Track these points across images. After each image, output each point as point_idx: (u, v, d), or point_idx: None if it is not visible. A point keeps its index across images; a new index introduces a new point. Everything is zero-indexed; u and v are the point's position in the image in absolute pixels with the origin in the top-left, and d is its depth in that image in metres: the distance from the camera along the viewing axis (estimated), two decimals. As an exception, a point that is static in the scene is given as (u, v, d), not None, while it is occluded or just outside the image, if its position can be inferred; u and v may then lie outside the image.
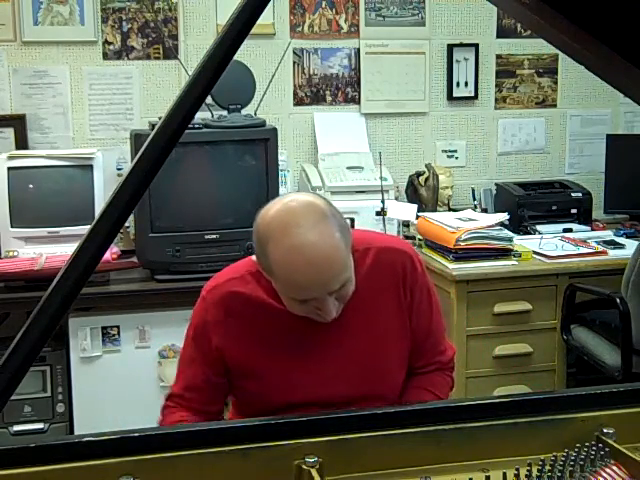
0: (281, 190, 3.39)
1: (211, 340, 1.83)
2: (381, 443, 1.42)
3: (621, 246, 3.65)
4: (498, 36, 4.12)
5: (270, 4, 1.27)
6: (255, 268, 1.82)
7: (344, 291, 1.71)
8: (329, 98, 3.95)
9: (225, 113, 3.29)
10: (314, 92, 3.93)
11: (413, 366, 1.96)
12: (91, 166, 3.27)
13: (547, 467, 1.36)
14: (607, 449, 1.41)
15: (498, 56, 4.14)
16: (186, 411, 1.85)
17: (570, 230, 3.85)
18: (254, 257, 1.80)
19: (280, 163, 3.37)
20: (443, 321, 2.02)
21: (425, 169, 3.94)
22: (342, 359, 1.83)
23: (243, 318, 1.82)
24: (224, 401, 1.93)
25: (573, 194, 3.98)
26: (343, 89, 3.96)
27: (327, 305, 1.69)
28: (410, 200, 3.89)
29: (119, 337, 3.14)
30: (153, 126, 1.56)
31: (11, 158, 3.22)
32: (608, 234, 3.84)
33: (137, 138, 3.12)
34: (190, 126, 1.28)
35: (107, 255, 2.92)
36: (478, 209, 3.96)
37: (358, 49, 3.94)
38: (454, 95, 4.08)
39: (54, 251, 3.12)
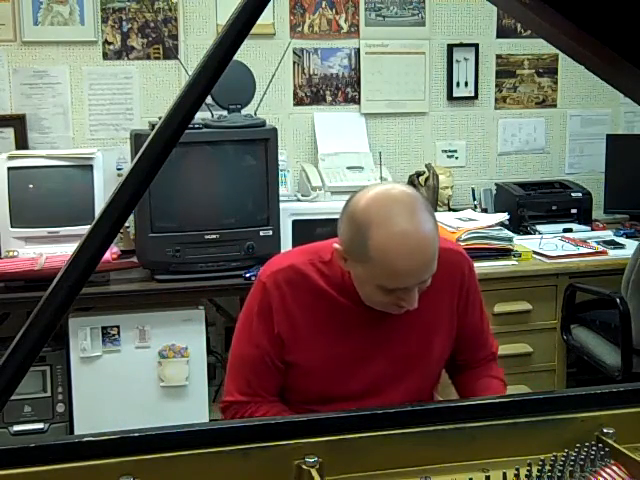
0: (281, 190, 3.39)
1: (273, 324, 1.83)
2: (381, 443, 1.42)
3: (621, 246, 3.66)
4: (498, 36, 4.12)
5: (270, 4, 1.27)
6: (317, 258, 1.84)
7: (427, 282, 1.74)
8: (329, 98, 3.95)
9: (225, 113, 3.28)
10: (314, 92, 3.93)
11: (473, 359, 2.04)
12: (91, 166, 3.27)
13: (547, 467, 1.36)
14: (607, 449, 1.41)
15: (498, 56, 4.14)
16: (260, 404, 1.87)
17: (570, 230, 3.85)
18: (332, 247, 1.77)
19: (280, 163, 3.37)
20: (488, 322, 2.10)
21: (425, 169, 3.94)
22: (390, 356, 1.86)
23: (302, 305, 1.83)
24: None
25: (573, 194, 3.98)
26: (343, 89, 3.96)
27: (413, 296, 1.71)
28: (410, 200, 3.88)
29: (119, 337, 3.14)
30: (153, 126, 1.55)
31: (11, 158, 3.22)
32: (608, 234, 3.84)
33: (137, 138, 3.11)
34: (190, 126, 1.28)
35: (107, 255, 2.92)
36: (478, 209, 3.96)
37: (358, 49, 3.94)
38: (454, 95, 4.08)
39: (54, 251, 3.11)
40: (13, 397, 1.17)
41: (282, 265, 1.87)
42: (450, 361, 2.06)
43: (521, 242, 3.60)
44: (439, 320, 1.91)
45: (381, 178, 3.57)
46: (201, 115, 3.21)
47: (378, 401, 1.83)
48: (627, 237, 3.79)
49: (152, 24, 3.67)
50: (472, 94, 4.09)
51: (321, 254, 1.85)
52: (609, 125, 4.28)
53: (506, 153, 4.20)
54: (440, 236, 1.82)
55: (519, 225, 3.84)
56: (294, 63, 3.88)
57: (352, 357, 1.85)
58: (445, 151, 4.12)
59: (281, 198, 3.33)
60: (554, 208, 3.94)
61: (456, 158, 4.13)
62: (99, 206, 3.21)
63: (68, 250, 3.00)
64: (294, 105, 3.91)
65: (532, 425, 1.47)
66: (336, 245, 1.76)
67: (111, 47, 3.67)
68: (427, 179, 3.90)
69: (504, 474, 1.33)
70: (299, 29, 3.87)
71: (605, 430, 1.46)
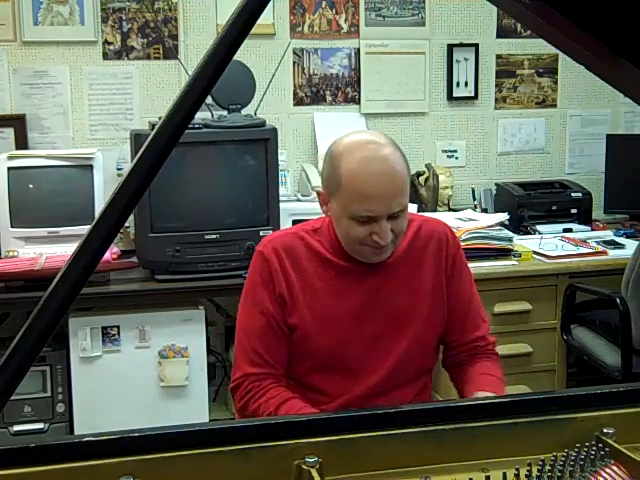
0: (281, 190, 3.39)
1: (275, 286, 1.92)
2: (381, 443, 1.42)
3: (621, 246, 3.66)
4: (498, 36, 4.12)
5: (270, 4, 1.27)
6: (308, 227, 1.98)
7: (399, 223, 1.85)
8: (329, 98, 3.95)
9: (225, 113, 3.28)
10: (314, 92, 3.93)
11: (460, 342, 2.05)
12: (91, 166, 3.27)
13: (547, 467, 1.36)
14: (607, 449, 1.41)
15: (498, 56, 4.14)
16: (267, 380, 1.91)
17: (570, 230, 3.85)
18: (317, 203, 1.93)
19: (280, 163, 3.37)
20: (482, 307, 2.12)
21: (425, 169, 3.94)
22: (383, 314, 1.94)
23: (299, 268, 1.94)
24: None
25: (573, 194, 3.98)
26: (343, 89, 3.96)
27: (385, 229, 1.81)
28: (410, 200, 3.87)
29: (119, 337, 3.14)
30: (153, 126, 1.55)
31: (11, 158, 3.22)
32: (608, 234, 3.84)
33: (137, 138, 3.12)
34: (190, 126, 1.28)
35: (107, 255, 2.92)
36: (478, 209, 3.96)
37: (358, 49, 3.94)
38: (454, 95, 4.08)
39: (54, 251, 3.12)
40: (13, 397, 1.17)
41: (276, 235, 2.04)
42: (445, 353, 2.09)
43: (521, 242, 3.60)
44: (428, 283, 1.98)
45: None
46: (201, 115, 3.21)
47: (375, 365, 1.92)
48: (627, 237, 3.79)
49: (152, 24, 3.67)
50: (472, 94, 4.09)
51: (311, 224, 2.02)
52: (609, 125, 4.28)
53: (506, 153, 4.20)
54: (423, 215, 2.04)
55: (519, 225, 3.84)
56: (294, 63, 3.88)
57: (347, 316, 1.93)
58: (445, 151, 4.12)
59: (281, 198, 3.33)
60: (554, 208, 3.95)
61: (456, 158, 4.13)
62: (99, 206, 3.21)
63: (68, 250, 3.01)
64: (294, 105, 3.91)
65: (532, 425, 1.47)
66: (318, 189, 1.94)
67: (111, 47, 3.67)
68: (427, 179, 3.90)
69: (504, 474, 1.33)
70: (299, 29, 3.87)
71: (605, 430, 1.46)
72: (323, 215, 2.02)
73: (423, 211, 3.76)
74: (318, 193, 1.94)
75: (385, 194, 1.79)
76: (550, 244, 3.61)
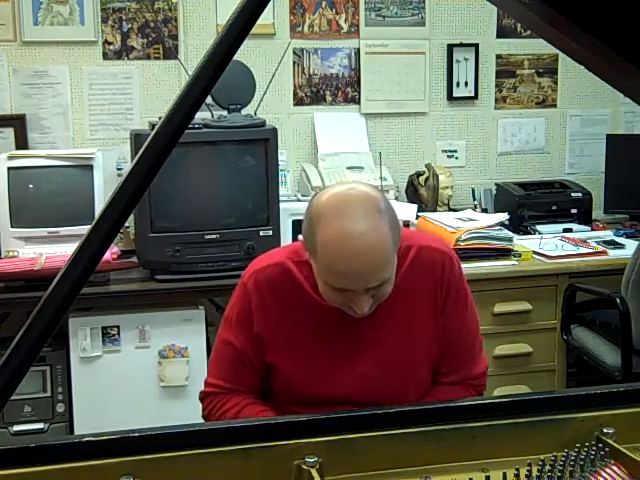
0: (281, 190, 3.39)
1: (253, 325, 1.83)
2: (381, 443, 1.42)
3: (621, 246, 3.66)
4: (498, 36, 4.12)
5: (270, 4, 1.27)
6: (297, 257, 1.83)
7: (381, 291, 1.70)
8: (329, 98, 3.95)
9: (225, 113, 3.28)
10: (314, 92, 3.93)
11: (438, 371, 1.92)
12: (91, 166, 3.27)
13: (547, 467, 1.36)
14: (607, 449, 1.41)
15: (498, 56, 4.14)
16: (233, 395, 1.87)
17: (570, 230, 3.85)
18: (299, 241, 1.79)
19: (280, 163, 3.37)
20: (479, 334, 1.97)
21: (425, 169, 3.94)
22: (373, 357, 1.83)
23: (282, 305, 1.82)
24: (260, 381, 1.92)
25: (573, 194, 3.98)
26: (343, 89, 3.96)
27: (361, 301, 1.68)
28: (410, 200, 3.89)
29: (119, 337, 3.14)
30: (153, 126, 1.55)
31: (11, 158, 3.22)
32: (608, 234, 3.84)
33: (137, 138, 3.11)
34: (190, 126, 1.28)
35: (107, 255, 2.92)
36: (478, 209, 3.96)
37: (358, 49, 3.94)
38: (454, 95, 4.08)
39: (54, 251, 3.11)
40: (13, 397, 1.17)
41: (262, 264, 1.87)
42: None
43: (521, 242, 3.60)
44: (422, 321, 1.86)
45: (381, 178, 3.57)
46: (201, 115, 3.21)
47: (361, 403, 1.77)
48: (627, 237, 3.79)
49: (152, 24, 3.67)
50: (472, 94, 4.09)
51: (300, 253, 1.83)
52: (609, 125, 4.28)
53: (506, 153, 4.20)
54: (424, 234, 1.79)
55: (519, 225, 3.84)
56: (294, 63, 3.88)
57: (333, 358, 1.83)
58: (445, 151, 4.12)
59: (281, 198, 3.33)
60: (554, 208, 3.94)
61: (456, 158, 4.13)
62: (99, 206, 3.21)
63: (68, 250, 3.00)
64: (294, 105, 3.91)
65: (532, 425, 1.47)
66: (300, 236, 1.78)
67: (111, 47, 3.67)
68: (427, 179, 3.90)
69: (504, 474, 1.33)
70: (299, 29, 3.87)
71: (605, 430, 1.46)
72: None
73: (423, 211, 3.76)
74: (300, 241, 1.79)
75: (361, 272, 1.63)
76: (550, 244, 3.61)
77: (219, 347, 1.91)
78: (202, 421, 1.92)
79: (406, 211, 3.59)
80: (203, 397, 1.93)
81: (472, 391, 1.93)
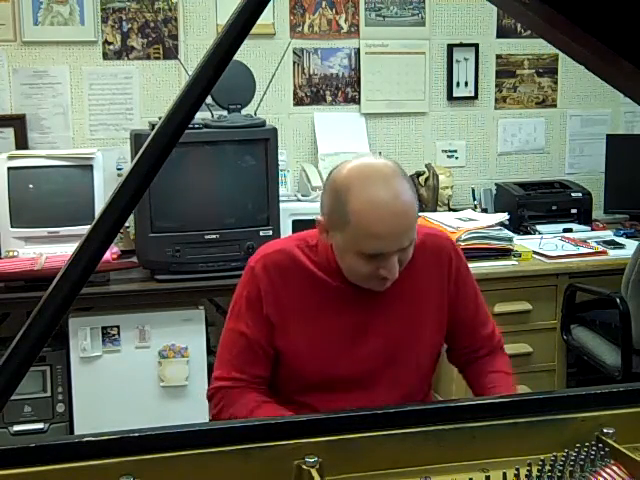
0: (281, 190, 3.39)
1: (263, 308, 1.85)
2: (381, 443, 1.42)
3: (621, 246, 3.66)
4: (498, 36, 4.12)
5: (270, 4, 1.27)
6: (304, 243, 1.88)
7: (406, 254, 1.77)
8: (329, 98, 3.95)
9: (225, 113, 3.28)
10: (314, 92, 3.93)
11: (468, 349, 2.03)
12: (91, 166, 3.27)
13: (547, 467, 1.36)
14: (607, 449, 1.41)
15: (498, 56, 4.14)
16: (246, 389, 1.87)
17: (570, 230, 3.85)
18: (317, 221, 1.82)
19: (280, 163, 3.37)
20: (485, 308, 2.08)
21: (425, 169, 3.94)
22: (378, 340, 1.87)
23: (290, 289, 1.86)
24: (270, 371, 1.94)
25: (573, 194, 3.98)
26: (343, 89, 3.96)
27: (393, 264, 1.73)
28: (410, 200, 3.88)
29: (119, 337, 3.14)
30: (153, 126, 1.56)
31: (11, 158, 3.22)
32: (608, 234, 3.84)
33: (137, 138, 3.12)
34: (190, 126, 1.28)
35: (107, 255, 2.92)
36: (478, 209, 3.96)
37: (358, 49, 3.94)
38: (454, 95, 4.08)
39: (54, 251, 3.11)
40: (13, 397, 1.17)
41: (269, 250, 1.91)
42: (454, 353, 2.07)
43: (521, 242, 3.60)
44: (428, 304, 1.92)
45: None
46: (201, 115, 3.21)
47: (368, 389, 1.86)
48: (627, 237, 3.79)
49: (152, 24, 3.67)
50: (472, 94, 4.09)
51: (307, 239, 1.90)
52: (609, 125, 4.28)
53: (506, 153, 4.20)
54: (426, 225, 1.84)
55: (519, 225, 3.84)
56: (294, 63, 3.88)
57: (340, 340, 1.86)
58: (445, 151, 4.12)
59: (281, 198, 3.33)
60: (554, 208, 3.95)
61: (456, 158, 4.13)
62: (99, 206, 3.21)
63: (68, 250, 3.00)
64: (294, 105, 3.91)
65: (532, 425, 1.47)
66: (318, 217, 1.81)
67: (111, 47, 3.67)
68: (427, 179, 3.90)
69: (504, 474, 1.33)
70: (299, 29, 3.87)
71: (605, 430, 1.46)
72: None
73: (423, 211, 3.76)
74: (317, 221, 1.81)
75: (396, 232, 1.71)
76: (550, 244, 3.61)
77: (230, 337, 1.91)
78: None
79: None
80: (213, 394, 1.91)
81: (504, 355, 2.09)
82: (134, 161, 1.21)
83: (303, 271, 1.86)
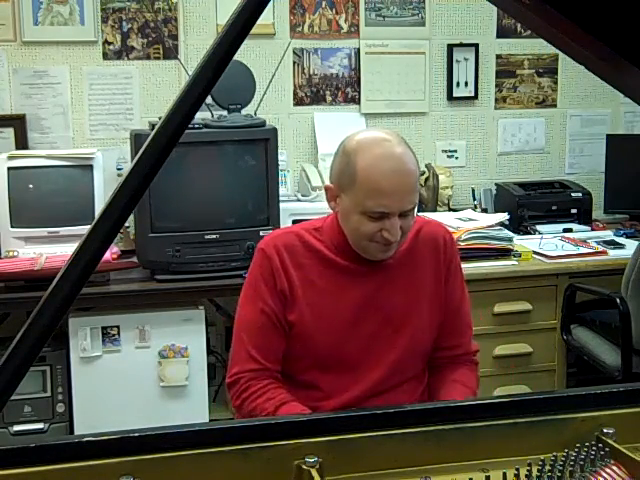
0: (281, 190, 3.39)
1: (276, 282, 1.94)
2: (381, 443, 1.42)
3: (621, 246, 3.66)
4: (498, 36, 4.12)
5: (270, 4, 1.27)
6: (309, 226, 2.01)
7: (407, 222, 1.88)
8: (329, 98, 3.95)
9: (225, 113, 3.28)
10: (314, 92, 3.93)
11: (443, 346, 2.05)
12: (91, 166, 3.27)
13: (547, 467, 1.36)
14: (607, 449, 1.41)
15: (498, 56, 4.14)
16: (266, 379, 1.93)
17: (570, 230, 3.85)
18: (327, 187, 1.94)
19: (280, 163, 3.37)
20: (470, 313, 2.12)
21: (425, 169, 3.94)
22: (382, 317, 1.96)
23: (299, 266, 1.96)
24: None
25: (573, 194, 3.98)
26: (343, 89, 3.96)
27: (395, 226, 1.84)
28: (410, 200, 3.88)
29: (119, 337, 3.14)
30: (153, 126, 1.55)
31: (11, 158, 3.22)
32: (608, 234, 3.84)
33: (137, 138, 3.11)
34: (190, 126, 1.28)
35: (107, 255, 2.92)
36: (478, 209, 3.96)
37: (358, 49, 3.94)
38: (454, 95, 4.08)
39: (54, 251, 3.11)
40: (13, 397, 1.17)
41: (277, 233, 2.06)
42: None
43: (521, 242, 3.60)
44: (425, 287, 2.00)
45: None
46: (201, 115, 3.21)
47: (372, 366, 1.94)
48: (627, 237, 3.79)
49: (152, 24, 3.67)
50: (472, 94, 4.09)
51: (312, 223, 2.04)
52: (609, 125, 4.28)
53: (506, 153, 4.20)
54: (422, 216, 2.07)
55: (519, 225, 3.84)
56: (294, 63, 3.88)
57: (345, 315, 1.94)
58: (445, 151, 4.12)
59: (281, 198, 3.33)
60: (554, 208, 3.95)
61: (456, 158, 4.13)
62: (99, 206, 3.21)
63: (68, 250, 3.00)
64: (294, 105, 3.91)
65: (532, 425, 1.47)
66: (327, 184, 1.94)
67: (111, 47, 3.67)
68: (427, 179, 3.90)
69: (504, 474, 1.33)
70: (299, 29, 3.87)
71: (605, 430, 1.46)
72: (323, 216, 2.04)
73: (423, 211, 3.76)
74: (326, 188, 1.95)
75: (400, 191, 1.82)
76: (550, 244, 3.61)
77: (249, 320, 1.96)
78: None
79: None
80: (234, 381, 1.95)
81: (474, 371, 2.10)
82: (134, 161, 1.21)
83: (310, 249, 1.97)
